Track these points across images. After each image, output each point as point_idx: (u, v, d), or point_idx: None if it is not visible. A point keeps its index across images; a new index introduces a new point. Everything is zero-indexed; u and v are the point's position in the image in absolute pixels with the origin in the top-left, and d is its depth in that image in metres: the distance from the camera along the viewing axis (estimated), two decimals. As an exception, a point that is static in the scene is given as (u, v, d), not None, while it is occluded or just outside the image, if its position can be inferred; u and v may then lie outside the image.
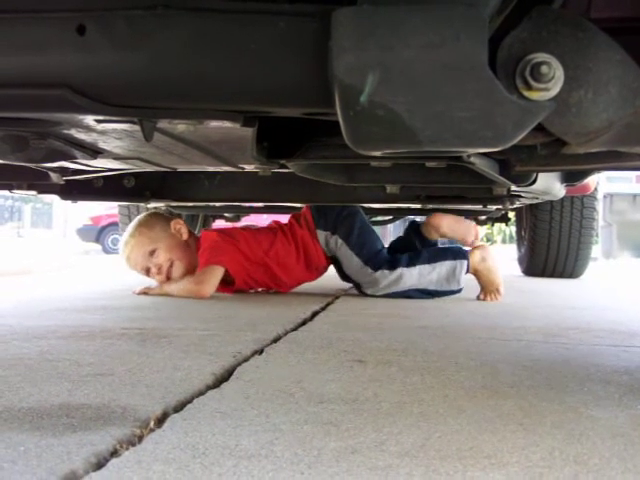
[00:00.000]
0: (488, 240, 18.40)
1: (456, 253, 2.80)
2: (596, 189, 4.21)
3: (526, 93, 0.78)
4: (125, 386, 1.08)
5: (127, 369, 1.21)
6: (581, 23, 0.81)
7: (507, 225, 5.20)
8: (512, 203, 2.48)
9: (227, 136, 1.24)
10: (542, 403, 1.03)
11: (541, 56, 0.78)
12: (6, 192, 2.26)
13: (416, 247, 2.89)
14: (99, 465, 0.73)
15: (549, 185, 2.05)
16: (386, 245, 2.95)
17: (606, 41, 0.81)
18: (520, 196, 2.30)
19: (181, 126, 1.11)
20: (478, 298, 2.80)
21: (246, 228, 2.94)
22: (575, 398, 1.06)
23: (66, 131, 1.16)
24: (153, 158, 1.49)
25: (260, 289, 2.95)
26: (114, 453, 0.77)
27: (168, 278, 2.74)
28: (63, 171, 1.82)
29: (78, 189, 2.37)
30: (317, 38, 0.83)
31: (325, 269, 2.95)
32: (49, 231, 23.49)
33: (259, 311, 2.19)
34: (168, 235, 2.78)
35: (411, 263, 2.77)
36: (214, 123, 1.08)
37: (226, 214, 4.27)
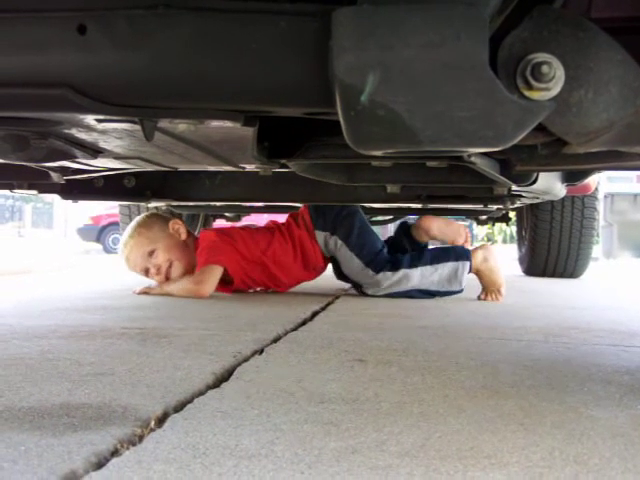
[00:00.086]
0: (489, 240, 18.41)
1: (459, 254, 2.79)
2: (597, 189, 4.21)
3: (527, 93, 0.78)
4: (125, 386, 1.08)
5: (127, 369, 1.21)
6: (582, 23, 0.81)
7: (508, 225, 5.19)
8: (513, 203, 2.48)
9: (228, 136, 1.24)
10: (542, 403, 1.03)
11: (542, 56, 0.78)
12: (7, 191, 2.26)
13: (406, 249, 2.89)
14: (99, 465, 0.73)
15: (550, 185, 2.05)
16: (384, 244, 2.95)
17: (607, 41, 0.81)
18: (521, 196, 2.29)
19: (182, 126, 1.11)
20: (479, 298, 2.80)
21: (244, 228, 2.94)
22: (575, 398, 1.06)
23: (67, 130, 1.16)
24: (154, 158, 1.49)
25: (259, 288, 2.95)
26: (114, 453, 0.77)
27: (167, 278, 2.75)
28: (64, 170, 1.82)
29: (79, 188, 2.37)
30: (318, 38, 0.83)
31: (323, 269, 2.95)
32: (50, 231, 23.50)
33: (259, 311, 2.19)
34: (167, 235, 2.78)
35: (413, 264, 2.76)
36: (215, 123, 1.08)
37: (227, 214, 4.27)
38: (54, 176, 1.83)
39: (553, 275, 4.51)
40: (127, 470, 0.70)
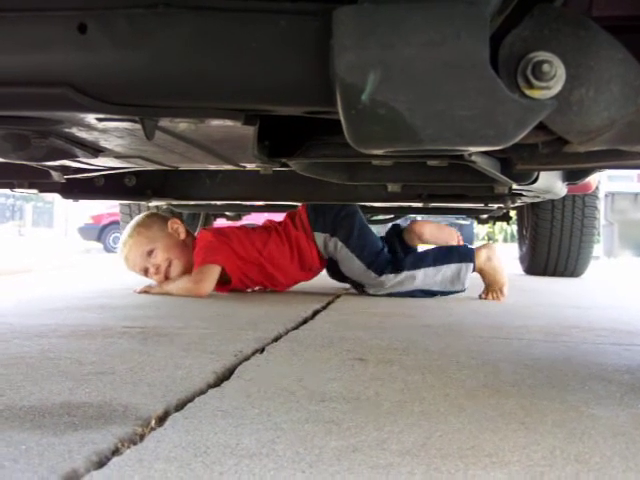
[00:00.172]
0: (489, 239, 18.41)
1: (463, 255, 2.78)
2: (597, 188, 4.20)
3: (528, 91, 0.78)
4: (126, 385, 1.08)
5: (128, 368, 1.21)
6: (583, 21, 0.81)
7: (508, 224, 5.20)
8: (513, 202, 2.48)
9: (228, 135, 1.24)
10: (543, 402, 1.03)
11: (543, 54, 0.78)
12: (7, 190, 2.26)
13: (397, 252, 2.89)
14: (100, 464, 0.73)
15: (550, 184, 2.04)
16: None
17: (608, 39, 0.81)
18: (521, 195, 2.29)
19: (182, 125, 1.11)
20: (480, 297, 2.79)
21: (240, 227, 2.94)
22: (576, 397, 1.06)
23: (67, 129, 1.16)
24: (154, 157, 1.49)
25: (257, 288, 2.95)
26: (115, 452, 0.77)
27: (166, 278, 2.75)
28: (64, 170, 1.81)
29: (79, 188, 2.36)
30: (318, 37, 0.83)
31: (319, 270, 2.95)
32: (50, 230, 23.51)
33: (259, 310, 2.19)
34: (166, 235, 2.78)
35: (416, 265, 2.75)
36: (215, 122, 1.08)
37: (227, 213, 4.27)
38: (55, 175, 1.83)
39: (554, 274, 4.51)
40: (128, 469, 0.70)
